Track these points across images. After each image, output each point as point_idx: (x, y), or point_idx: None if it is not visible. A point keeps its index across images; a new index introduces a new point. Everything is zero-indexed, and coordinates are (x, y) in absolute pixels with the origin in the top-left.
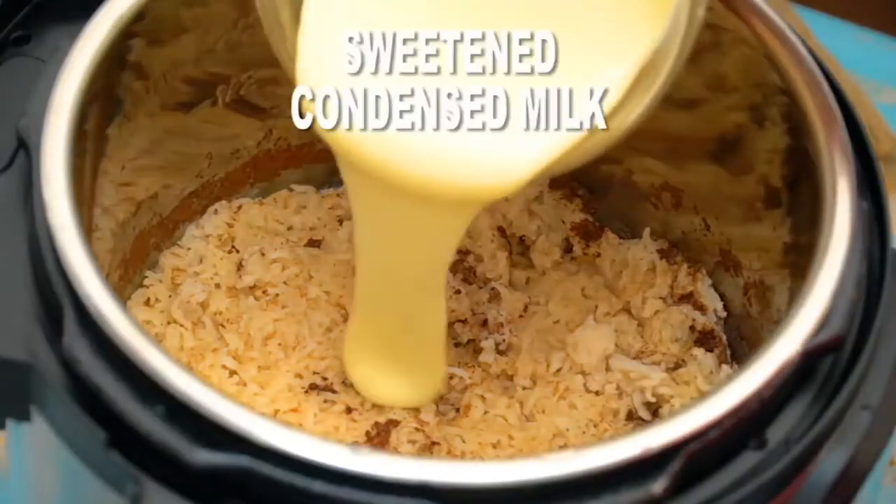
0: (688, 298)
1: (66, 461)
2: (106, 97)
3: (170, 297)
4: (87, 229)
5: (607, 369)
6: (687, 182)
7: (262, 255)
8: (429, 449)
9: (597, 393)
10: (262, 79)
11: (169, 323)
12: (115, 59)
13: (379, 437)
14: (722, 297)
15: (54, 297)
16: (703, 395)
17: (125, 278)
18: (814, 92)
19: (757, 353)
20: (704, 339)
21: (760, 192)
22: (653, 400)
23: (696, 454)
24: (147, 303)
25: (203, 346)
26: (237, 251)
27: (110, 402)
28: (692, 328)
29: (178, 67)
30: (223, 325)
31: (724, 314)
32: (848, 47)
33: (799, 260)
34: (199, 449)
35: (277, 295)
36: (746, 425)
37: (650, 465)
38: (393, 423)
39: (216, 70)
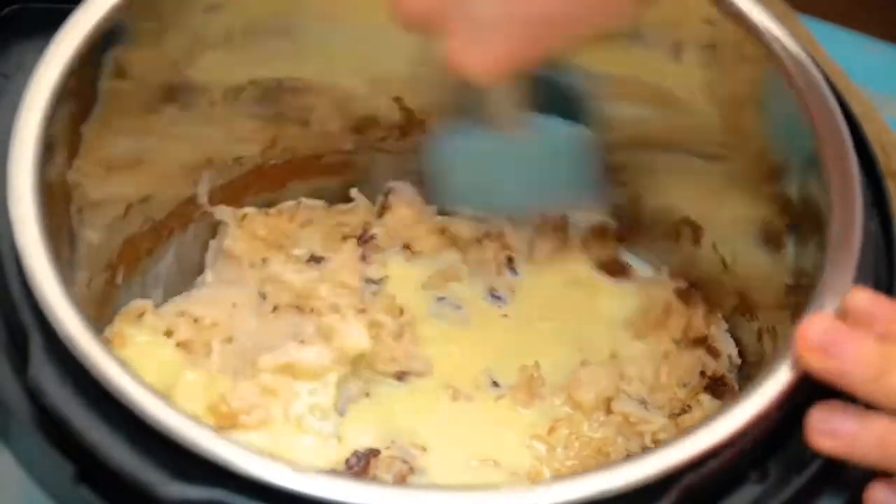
0: (702, 342)
1: (33, 497)
2: (80, 96)
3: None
4: (69, 239)
5: (608, 411)
6: (706, 217)
7: (263, 266)
8: (406, 478)
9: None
10: (266, 86)
11: (165, 334)
12: (87, 62)
13: (359, 466)
14: (738, 342)
15: (19, 323)
16: (700, 423)
17: (111, 283)
18: (821, 109)
19: (756, 381)
20: (714, 384)
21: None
22: (652, 446)
23: (693, 486)
24: (139, 316)
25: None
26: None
27: (79, 433)
28: (703, 373)
29: (158, 73)
30: None
31: (738, 361)
32: (856, 59)
33: (801, 301)
34: (173, 482)
35: (275, 307)
36: (746, 456)
37: (645, 497)
38: (373, 453)
39: (204, 77)
